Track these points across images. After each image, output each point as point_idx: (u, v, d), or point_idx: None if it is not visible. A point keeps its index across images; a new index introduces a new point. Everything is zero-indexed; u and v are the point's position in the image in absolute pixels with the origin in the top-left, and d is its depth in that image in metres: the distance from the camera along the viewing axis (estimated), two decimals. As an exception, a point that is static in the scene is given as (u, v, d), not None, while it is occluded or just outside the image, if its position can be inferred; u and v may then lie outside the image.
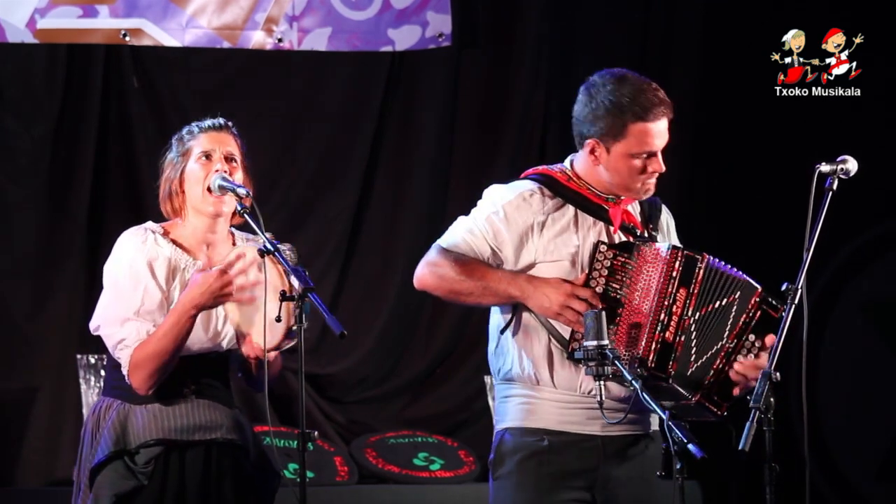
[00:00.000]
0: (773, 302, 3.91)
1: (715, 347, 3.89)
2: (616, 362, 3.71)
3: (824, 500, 7.04)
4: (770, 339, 3.89)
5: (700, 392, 3.87)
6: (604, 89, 3.93)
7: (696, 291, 3.86)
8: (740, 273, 3.93)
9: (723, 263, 3.92)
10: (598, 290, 3.86)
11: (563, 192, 3.99)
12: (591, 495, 3.94)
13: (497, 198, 3.99)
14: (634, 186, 3.96)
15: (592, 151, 3.95)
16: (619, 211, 3.99)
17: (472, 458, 6.59)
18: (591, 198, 3.98)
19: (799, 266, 3.87)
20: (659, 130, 3.92)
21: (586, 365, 3.73)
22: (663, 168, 3.96)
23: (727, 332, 3.90)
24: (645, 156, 3.93)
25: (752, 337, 3.90)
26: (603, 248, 3.89)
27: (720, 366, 3.89)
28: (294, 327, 3.78)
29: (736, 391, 3.88)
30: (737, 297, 3.90)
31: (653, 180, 3.97)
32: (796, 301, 3.84)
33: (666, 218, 4.14)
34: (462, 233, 3.97)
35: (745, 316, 3.90)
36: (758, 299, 3.91)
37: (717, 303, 3.89)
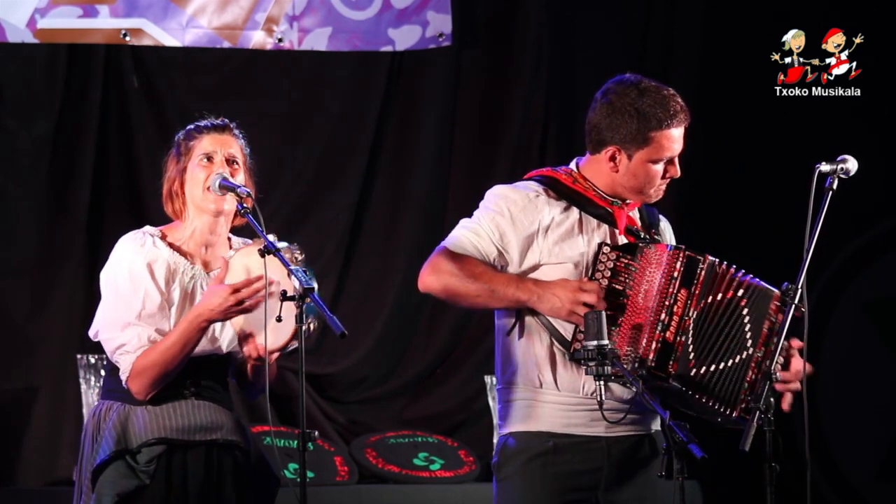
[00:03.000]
0: (792, 301, 3.89)
1: (741, 356, 3.87)
2: (616, 362, 3.71)
3: (824, 500, 7.04)
4: (796, 342, 3.90)
5: (739, 404, 3.85)
6: (626, 97, 3.93)
7: (697, 292, 3.86)
8: (754, 278, 3.91)
9: (726, 265, 3.91)
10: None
11: (568, 193, 3.98)
12: (595, 496, 3.94)
13: (501, 199, 3.97)
14: (649, 192, 3.98)
15: (612, 158, 3.95)
16: (624, 214, 3.99)
17: (473, 458, 6.59)
18: (597, 200, 3.98)
19: (799, 266, 3.87)
20: (679, 136, 3.97)
21: (586, 365, 3.72)
22: (680, 173, 3.99)
23: (751, 341, 3.88)
24: (668, 162, 3.96)
25: (775, 340, 3.87)
26: (606, 249, 3.89)
27: (753, 377, 3.87)
28: (312, 326, 3.78)
29: (784, 404, 3.88)
30: (744, 299, 3.88)
31: (665, 185, 4.00)
32: (796, 301, 3.84)
33: (665, 226, 4.15)
34: (467, 234, 3.95)
35: (767, 322, 3.89)
36: (778, 303, 3.90)
37: (715, 299, 3.88)
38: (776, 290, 3.91)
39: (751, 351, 3.88)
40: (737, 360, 3.87)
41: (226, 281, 3.90)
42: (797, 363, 3.90)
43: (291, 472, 5.91)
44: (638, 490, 3.94)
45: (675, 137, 3.95)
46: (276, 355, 3.92)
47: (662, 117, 3.92)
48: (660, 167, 3.96)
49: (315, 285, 3.81)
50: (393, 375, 7.02)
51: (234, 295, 3.84)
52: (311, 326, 3.76)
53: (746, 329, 3.88)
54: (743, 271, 3.91)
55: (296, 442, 6.09)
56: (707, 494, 6.43)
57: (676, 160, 3.98)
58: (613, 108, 3.94)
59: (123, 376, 3.91)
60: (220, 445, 4.00)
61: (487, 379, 6.60)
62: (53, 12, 6.44)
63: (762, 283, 3.92)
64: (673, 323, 3.83)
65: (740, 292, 3.89)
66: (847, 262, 7.14)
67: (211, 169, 4.02)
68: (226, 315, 3.87)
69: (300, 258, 3.86)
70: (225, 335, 4.01)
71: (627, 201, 4.01)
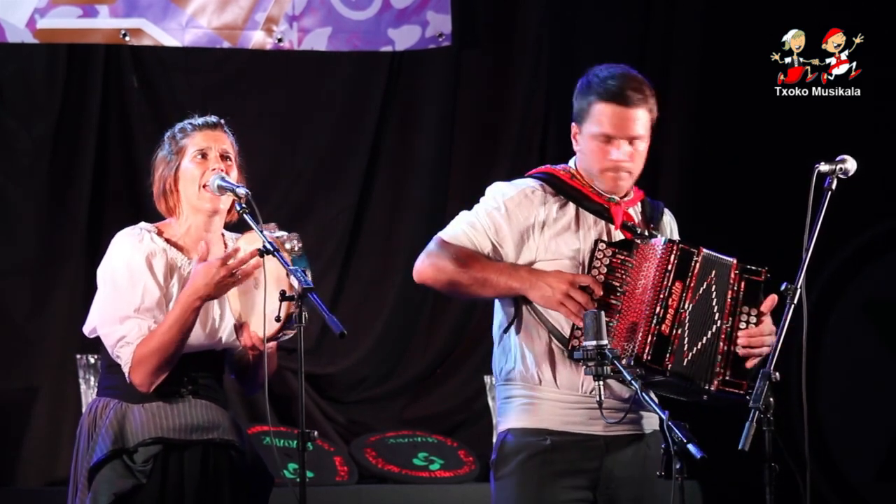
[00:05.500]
0: (752, 267, 3.92)
1: (710, 332, 3.89)
2: (615, 362, 3.71)
3: (824, 500, 7.03)
4: (768, 301, 3.90)
5: (716, 378, 3.87)
6: (586, 75, 4.01)
7: (692, 285, 3.87)
8: (713, 252, 3.93)
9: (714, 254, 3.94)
10: (598, 288, 3.87)
11: (566, 189, 4.00)
12: (593, 495, 3.95)
13: (499, 194, 4.00)
14: (598, 172, 3.97)
15: (575, 137, 4.01)
16: (621, 210, 3.99)
17: (472, 458, 6.59)
18: (593, 196, 3.99)
19: (799, 266, 3.87)
20: (620, 115, 3.93)
21: (586, 365, 3.72)
22: (625, 158, 3.94)
23: (718, 314, 3.90)
24: (603, 139, 3.94)
25: (745, 308, 3.91)
26: (602, 245, 3.90)
27: (725, 348, 3.89)
28: (293, 315, 3.77)
29: (749, 364, 3.88)
30: (713, 276, 3.90)
31: (623, 174, 3.96)
32: (796, 301, 3.84)
33: (669, 221, 4.15)
34: (463, 226, 3.98)
35: (731, 292, 3.91)
36: (737, 271, 3.91)
37: (701, 289, 3.89)
38: (733, 260, 3.92)
39: (719, 323, 3.89)
40: (709, 335, 3.88)
41: None
42: (763, 326, 3.90)
43: (291, 473, 5.91)
44: (636, 490, 3.95)
45: (610, 113, 3.93)
46: (272, 344, 3.91)
47: (602, 91, 3.94)
48: (599, 144, 3.94)
49: (308, 277, 3.82)
50: (393, 375, 7.02)
51: (224, 267, 3.83)
52: (303, 318, 3.73)
53: (715, 303, 3.89)
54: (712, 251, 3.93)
55: (295, 442, 6.04)
56: (707, 494, 6.43)
57: (624, 146, 3.94)
58: (577, 87, 4.01)
59: (126, 368, 3.90)
60: (217, 445, 3.99)
61: (487, 379, 6.60)
62: (53, 12, 6.44)
63: (720, 255, 3.93)
64: (668, 316, 3.84)
65: (713, 272, 3.90)
66: (847, 262, 7.14)
67: (205, 165, 4.01)
68: (219, 288, 3.85)
69: (297, 247, 3.86)
70: (223, 329, 4.01)
71: (628, 197, 4.01)
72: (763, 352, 3.89)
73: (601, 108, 3.94)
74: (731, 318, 3.91)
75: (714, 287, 3.90)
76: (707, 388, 3.87)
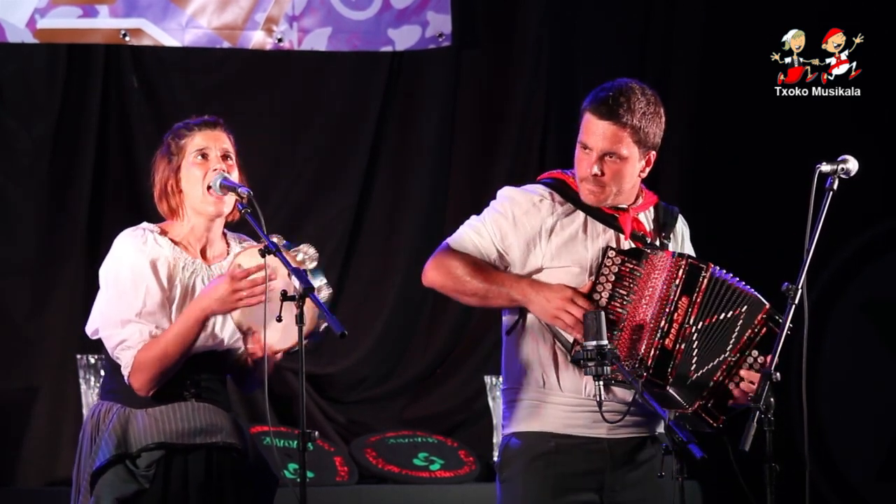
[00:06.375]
0: (780, 319, 3.89)
1: (717, 359, 3.87)
2: (615, 362, 3.70)
3: (824, 500, 7.03)
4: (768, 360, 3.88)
5: (698, 401, 3.86)
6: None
7: (698, 300, 3.85)
8: (749, 287, 3.91)
9: (731, 276, 3.90)
10: (605, 295, 3.86)
11: (575, 197, 3.99)
12: (598, 497, 3.94)
13: (507, 200, 3.99)
14: (580, 183, 3.96)
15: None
16: (629, 218, 3.98)
17: (472, 458, 6.59)
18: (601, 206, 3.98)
19: (799, 266, 3.87)
20: (597, 126, 3.91)
21: (585, 365, 3.72)
22: (598, 172, 3.90)
23: (731, 346, 3.88)
24: (581, 147, 3.94)
25: (755, 353, 3.89)
26: (612, 253, 3.89)
27: (720, 378, 3.87)
28: (320, 329, 3.77)
29: (730, 402, 3.87)
30: (743, 311, 3.88)
31: (595, 188, 3.94)
32: (796, 301, 3.84)
33: (681, 227, 4.13)
34: (470, 233, 3.98)
35: (750, 331, 3.89)
36: (764, 316, 3.89)
37: (723, 314, 3.88)
38: (766, 304, 3.91)
39: (727, 354, 3.88)
40: (715, 363, 3.87)
41: None
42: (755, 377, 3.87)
43: (291, 473, 5.91)
44: (642, 492, 3.94)
45: (593, 122, 3.92)
46: (279, 355, 3.91)
47: (592, 98, 3.93)
48: (581, 154, 3.93)
49: (323, 281, 3.81)
50: (393, 375, 7.02)
51: (231, 283, 3.82)
52: (303, 318, 3.72)
53: (734, 335, 3.88)
54: (739, 279, 3.91)
55: (296, 442, 6.09)
56: (707, 494, 6.43)
57: (593, 156, 3.92)
58: None
59: (125, 371, 3.89)
60: (220, 448, 3.99)
61: (487, 379, 6.60)
62: (53, 12, 6.44)
63: (755, 292, 3.92)
64: (672, 330, 3.83)
65: (745, 308, 3.88)
66: (847, 262, 7.14)
67: (206, 166, 4.00)
68: (226, 307, 3.85)
69: (312, 257, 3.85)
70: (226, 330, 4.00)
71: (637, 202, 4.00)
72: (748, 400, 3.85)
73: (587, 117, 3.95)
74: (738, 354, 3.89)
75: (741, 320, 3.88)
76: (686, 406, 3.86)
